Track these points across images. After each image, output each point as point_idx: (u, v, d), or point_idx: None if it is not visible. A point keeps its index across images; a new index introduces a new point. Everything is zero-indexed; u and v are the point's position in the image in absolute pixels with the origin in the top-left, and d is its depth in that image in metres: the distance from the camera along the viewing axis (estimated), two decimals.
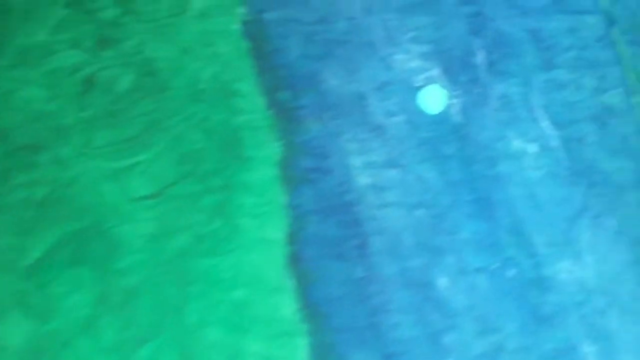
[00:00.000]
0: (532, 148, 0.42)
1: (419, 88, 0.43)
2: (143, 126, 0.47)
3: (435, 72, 0.47)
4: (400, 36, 0.49)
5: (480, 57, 0.49)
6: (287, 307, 0.38)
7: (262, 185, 0.44)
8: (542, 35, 0.50)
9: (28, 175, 0.43)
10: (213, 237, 0.42)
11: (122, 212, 0.43)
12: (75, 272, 0.40)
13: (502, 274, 0.38)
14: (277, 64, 0.49)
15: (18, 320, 0.38)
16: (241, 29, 0.51)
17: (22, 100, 0.46)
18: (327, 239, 0.41)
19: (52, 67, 0.49)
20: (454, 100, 0.44)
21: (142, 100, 0.48)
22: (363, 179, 0.43)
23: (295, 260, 0.40)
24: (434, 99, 0.46)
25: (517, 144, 0.43)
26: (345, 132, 0.45)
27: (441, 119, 0.42)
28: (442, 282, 0.38)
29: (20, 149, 0.44)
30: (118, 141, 0.46)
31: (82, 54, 0.50)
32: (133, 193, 0.44)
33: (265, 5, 0.52)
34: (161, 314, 0.39)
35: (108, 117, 0.47)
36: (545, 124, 0.43)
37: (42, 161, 0.44)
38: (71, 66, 0.49)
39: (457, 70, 0.48)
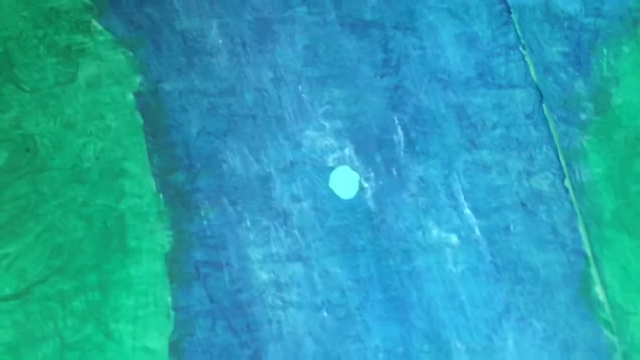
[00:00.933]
0: (453, 239, 0.38)
1: (329, 169, 0.39)
2: (15, 212, 0.41)
3: (348, 151, 0.43)
4: (312, 110, 0.46)
5: (398, 135, 0.45)
6: None
7: (144, 283, 0.38)
8: (467, 111, 0.47)
9: None
10: (82, 347, 0.36)
11: None
12: None
13: None
14: (173, 141, 0.45)
15: None
16: (135, 100, 0.46)
17: None
18: (216, 348, 0.36)
19: None
20: (368, 184, 0.40)
21: (16, 182, 0.43)
22: (262, 275, 0.38)
23: None
24: (345, 182, 0.42)
25: (436, 234, 0.39)
26: (245, 219, 0.41)
27: (352, 205, 0.38)
28: None
29: None
30: None
31: None
32: None
33: (164, 74, 0.48)
34: None
35: None
36: (467, 212, 0.39)
37: None
38: None
39: (372, 150, 0.44)
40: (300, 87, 0.47)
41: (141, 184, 0.42)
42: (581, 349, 0.33)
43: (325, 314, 0.35)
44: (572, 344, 0.34)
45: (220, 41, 0.49)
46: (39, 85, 0.46)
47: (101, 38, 0.48)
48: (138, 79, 0.47)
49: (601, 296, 0.35)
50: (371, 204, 0.40)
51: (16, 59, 0.47)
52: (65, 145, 0.44)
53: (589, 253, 0.37)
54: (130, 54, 0.48)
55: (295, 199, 0.40)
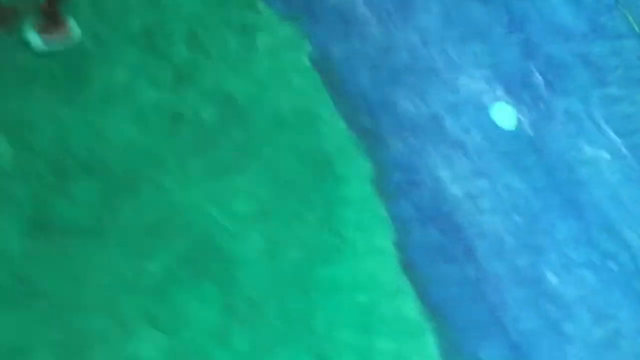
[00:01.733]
0: (604, 155, 0.46)
1: (488, 106, 0.47)
2: (234, 152, 0.49)
3: (499, 92, 0.51)
4: (460, 62, 0.54)
5: (537, 78, 0.54)
6: (410, 308, 0.40)
7: (360, 200, 0.46)
8: (590, 58, 0.55)
9: (133, 202, 0.44)
10: (324, 249, 0.43)
11: (229, 229, 0.44)
12: (197, 286, 0.41)
13: (605, 266, 0.41)
14: (350, 92, 0.52)
15: (149, 334, 0.39)
16: (310, 63, 0.54)
17: (116, 135, 0.48)
18: (433, 245, 0.43)
19: (138, 104, 0.51)
20: (522, 116, 0.48)
21: (228, 130, 0.50)
22: (455, 189, 0.46)
23: (407, 266, 0.42)
24: (503, 115, 0.50)
25: (589, 151, 0.47)
26: (428, 148, 0.48)
27: (514, 133, 0.46)
28: (551, 277, 0.41)
29: (121, 178, 0.45)
30: (213, 167, 0.48)
31: (162, 92, 0.52)
32: (238, 213, 0.45)
33: (329, 41, 0.56)
34: (289, 321, 0.40)
35: (199, 146, 0.49)
36: (610, 134, 0.47)
37: (144, 189, 0.45)
38: (155, 103, 0.51)
39: (519, 90, 0.52)
40: (445, 45, 0.55)
41: (335, 127, 0.50)
42: None
43: (516, 217, 0.43)
44: None
45: (368, 13, 0.57)
46: (225, 54, 0.54)
47: (268, 15, 0.56)
48: (308, 46, 0.55)
49: None
50: (530, 132, 0.47)
51: (202, 35, 0.55)
52: (262, 100, 0.52)
53: None
54: (296, 26, 0.56)
55: (466, 130, 0.47)
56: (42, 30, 0.53)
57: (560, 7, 0.57)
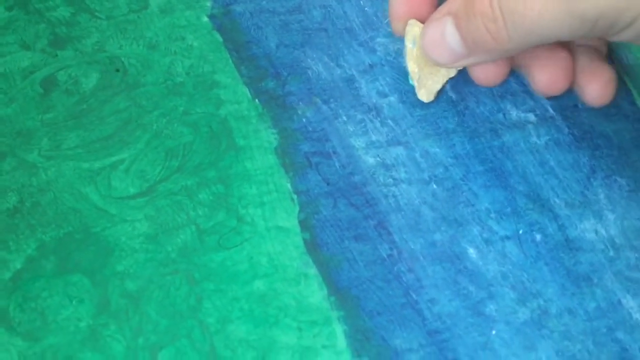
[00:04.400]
0: (531, 117, 0.43)
1: (406, 69, 0.43)
2: (119, 123, 0.43)
3: None
4: (378, 21, 0.49)
5: None
6: (314, 294, 0.35)
7: (262, 174, 0.41)
8: None
9: None
10: (219, 231, 0.38)
11: (110, 213, 0.39)
12: (66, 281, 0.36)
13: (529, 239, 0.38)
14: (255, 54, 0.47)
15: (4, 340, 0.33)
16: (210, 22, 0.49)
17: None
18: (343, 222, 0.39)
19: (4, 69, 0.45)
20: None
21: (112, 98, 0.44)
22: (369, 159, 0.42)
23: (313, 246, 0.38)
24: None
25: (515, 114, 0.43)
26: (340, 114, 0.44)
27: (439, 94, 0.42)
28: (472, 252, 0.37)
29: None
30: (92, 141, 0.42)
31: (35, 55, 0.46)
32: (119, 193, 0.40)
33: None
34: (175, 316, 0.35)
35: (76, 117, 0.43)
36: (537, 95, 0.44)
37: (6, 168, 0.40)
38: (26, 68, 0.45)
39: None
40: (362, 2, 0.50)
41: (236, 92, 0.45)
42: None
43: (434, 186, 0.39)
44: None
45: None
46: (113, 13, 0.48)
47: None
48: (209, 3, 0.49)
49: None
50: (452, 94, 0.44)
51: None
52: (153, 64, 0.46)
53: None
54: None
55: (382, 94, 0.43)
56: None
57: None
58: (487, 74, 0.41)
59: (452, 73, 0.40)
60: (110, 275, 0.37)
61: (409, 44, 0.40)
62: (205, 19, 0.49)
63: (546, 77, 0.39)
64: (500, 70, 0.41)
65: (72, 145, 0.42)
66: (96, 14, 0.48)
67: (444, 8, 0.36)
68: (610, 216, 0.40)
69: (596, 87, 0.39)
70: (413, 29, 0.39)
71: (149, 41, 0.47)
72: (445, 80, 0.41)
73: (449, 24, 0.35)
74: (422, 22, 0.39)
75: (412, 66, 0.41)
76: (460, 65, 0.38)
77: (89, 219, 0.39)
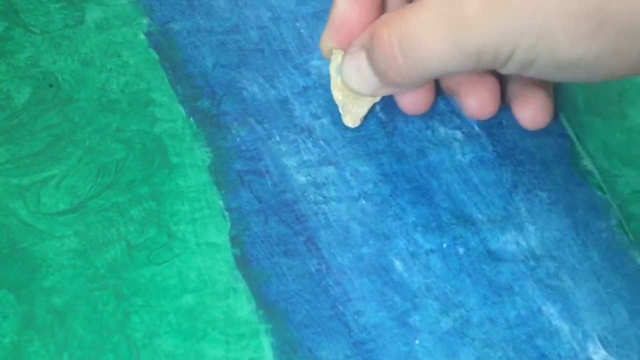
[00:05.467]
0: (457, 135, 0.45)
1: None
2: (51, 139, 0.43)
3: None
4: (313, 43, 0.51)
5: None
6: (243, 308, 0.36)
7: (195, 191, 0.42)
8: None
9: None
10: (149, 247, 0.39)
11: (38, 229, 0.39)
12: None
13: (453, 252, 0.39)
14: (192, 73, 0.48)
15: None
16: (147, 39, 0.49)
17: None
18: (273, 238, 0.40)
19: None
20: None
21: (45, 113, 0.44)
22: (300, 178, 0.43)
23: (243, 261, 0.39)
24: None
25: (443, 132, 0.45)
26: (274, 134, 0.45)
27: (366, 118, 0.44)
28: (398, 265, 0.39)
29: None
30: (22, 156, 0.42)
31: None
32: (48, 209, 0.40)
33: (169, 16, 0.51)
34: (102, 331, 0.35)
35: (7, 132, 0.43)
36: (467, 115, 0.46)
37: None
38: None
39: None
40: (298, 24, 0.52)
41: (171, 111, 0.45)
42: (582, 208, 0.41)
43: (363, 202, 0.41)
44: (573, 205, 0.41)
45: None
46: (47, 27, 0.48)
47: None
48: (145, 21, 0.50)
49: (589, 166, 0.42)
50: (382, 115, 0.45)
51: (19, 5, 0.49)
52: (88, 80, 0.46)
53: (572, 135, 0.45)
54: None
55: (315, 116, 0.45)
56: None
57: None
58: (412, 103, 0.42)
59: (377, 99, 0.42)
60: (36, 290, 0.37)
61: (333, 73, 0.41)
62: (142, 36, 0.49)
63: (475, 102, 0.41)
64: (425, 99, 0.43)
65: (1, 160, 0.42)
66: (30, 28, 0.48)
67: (359, 40, 0.38)
68: (531, 228, 0.42)
69: (528, 113, 0.41)
70: (337, 58, 0.41)
71: (84, 57, 0.47)
72: (370, 106, 0.43)
73: (362, 57, 0.36)
74: None
75: (336, 94, 0.42)
76: (379, 94, 0.40)
77: (16, 234, 0.39)
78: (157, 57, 0.48)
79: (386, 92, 0.38)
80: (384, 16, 0.34)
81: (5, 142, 0.41)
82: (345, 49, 0.41)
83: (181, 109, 0.46)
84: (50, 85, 0.45)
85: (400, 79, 0.34)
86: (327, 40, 0.41)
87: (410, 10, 0.32)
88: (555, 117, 0.47)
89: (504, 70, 0.33)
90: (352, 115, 0.44)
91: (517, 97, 0.42)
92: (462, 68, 0.33)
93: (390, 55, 0.33)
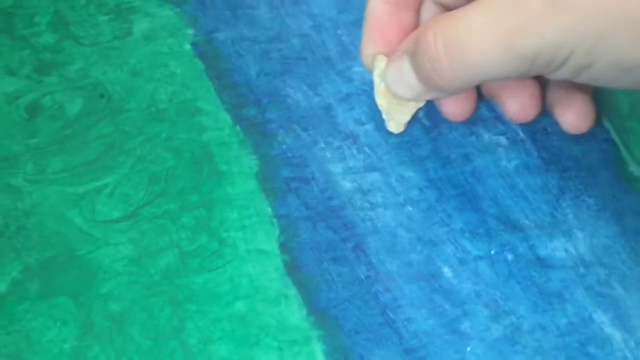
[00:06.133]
0: (502, 141, 0.45)
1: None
2: (102, 148, 0.44)
3: None
4: (354, 50, 0.51)
5: None
6: (294, 314, 0.36)
7: (243, 198, 0.42)
8: None
9: None
10: (201, 254, 0.39)
11: (94, 237, 0.39)
12: (51, 303, 0.36)
13: (501, 258, 0.39)
14: (237, 82, 0.49)
15: None
16: (192, 49, 0.50)
17: None
18: (322, 244, 0.40)
19: None
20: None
21: (96, 123, 0.45)
22: (346, 184, 0.43)
23: (293, 268, 0.39)
24: None
25: (487, 138, 0.45)
26: (319, 141, 0.45)
27: (410, 124, 0.44)
28: (447, 271, 0.38)
29: None
30: (76, 165, 0.43)
31: (20, 80, 0.47)
32: (103, 217, 0.41)
33: (214, 26, 0.52)
34: (158, 337, 0.36)
35: (60, 142, 0.44)
36: (508, 119, 0.46)
37: None
38: (10, 93, 0.46)
39: None
40: (339, 32, 0.52)
41: (217, 119, 0.46)
42: (630, 214, 0.40)
43: (410, 208, 0.41)
44: (621, 212, 0.41)
45: None
46: (97, 39, 0.49)
47: None
48: (190, 31, 0.51)
49: (636, 172, 0.42)
50: (425, 121, 0.45)
51: (69, 17, 0.50)
52: (137, 90, 0.47)
53: (617, 141, 0.44)
54: (178, 9, 0.52)
55: (359, 122, 0.45)
56: None
57: None
58: (455, 109, 0.42)
59: (420, 104, 0.42)
60: (94, 297, 0.37)
61: (376, 79, 0.41)
62: (188, 46, 0.50)
63: (516, 105, 0.41)
64: (467, 105, 0.43)
65: (56, 169, 0.43)
66: (80, 40, 0.49)
67: (401, 46, 0.38)
68: (580, 235, 0.42)
69: (571, 118, 0.41)
70: (380, 64, 0.41)
71: (132, 68, 0.48)
72: (414, 112, 0.43)
73: (406, 62, 0.36)
74: (390, 56, 0.41)
75: (380, 100, 0.42)
76: (423, 99, 0.40)
77: (73, 242, 0.39)
78: (202, 66, 0.49)
79: (430, 96, 0.38)
80: (430, 20, 0.34)
81: (59, 152, 0.42)
82: (388, 55, 0.41)
83: (227, 117, 0.46)
84: (101, 96, 0.46)
85: (443, 82, 0.34)
86: (367, 46, 0.41)
87: (461, 12, 0.32)
88: (600, 123, 0.46)
89: (554, 76, 0.33)
90: (396, 121, 0.44)
91: (558, 102, 0.42)
92: (510, 73, 0.32)
93: (435, 58, 0.33)
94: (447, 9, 0.41)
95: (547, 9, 0.28)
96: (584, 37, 0.28)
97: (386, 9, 0.39)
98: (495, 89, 0.42)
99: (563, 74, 0.32)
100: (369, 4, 0.40)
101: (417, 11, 0.41)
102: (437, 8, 0.41)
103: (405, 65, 0.37)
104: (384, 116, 0.44)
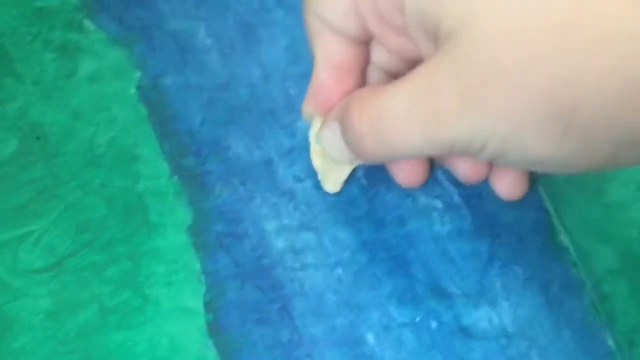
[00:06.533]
0: (438, 204, 0.45)
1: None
2: (33, 193, 0.43)
3: None
4: (300, 104, 0.51)
5: None
6: None
7: (173, 252, 0.42)
8: None
9: None
10: (123, 310, 0.39)
11: (13, 287, 0.39)
12: None
13: (425, 326, 0.39)
14: (179, 130, 0.48)
15: None
16: (137, 93, 0.50)
17: None
18: (248, 304, 0.40)
19: None
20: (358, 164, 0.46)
21: (30, 166, 0.44)
22: (279, 242, 0.43)
23: (216, 328, 0.38)
24: None
25: (423, 201, 0.45)
26: (256, 196, 0.45)
27: (348, 183, 0.44)
28: (370, 338, 0.38)
29: None
30: (4, 210, 0.42)
31: None
32: (25, 266, 0.40)
33: (161, 70, 0.51)
34: None
35: None
36: (445, 183, 0.46)
37: None
38: None
39: None
40: (287, 83, 0.52)
41: (155, 167, 0.45)
42: (557, 285, 0.41)
43: (340, 270, 0.41)
44: (548, 282, 0.41)
45: (209, 42, 0.54)
46: (40, 78, 0.48)
47: (95, 36, 0.51)
48: (137, 74, 0.50)
49: (566, 242, 0.43)
50: (364, 181, 0.46)
51: (13, 53, 0.49)
52: (75, 134, 0.46)
53: (550, 209, 0.45)
54: (126, 51, 0.51)
55: (298, 179, 0.45)
56: None
57: None
58: (407, 178, 0.42)
59: (356, 164, 0.42)
60: (6, 352, 0.36)
61: (312, 139, 0.42)
62: (133, 90, 0.50)
63: (466, 166, 0.41)
64: (419, 173, 0.42)
65: None
66: (23, 78, 0.49)
67: (335, 111, 0.38)
68: (505, 304, 0.42)
69: (505, 184, 0.41)
70: (316, 125, 0.41)
71: (73, 109, 0.48)
72: (349, 171, 0.43)
73: (336, 130, 0.37)
74: None
75: (315, 161, 0.42)
76: (357, 163, 0.40)
77: None
78: (146, 112, 0.48)
79: (363, 162, 0.39)
80: (357, 92, 0.34)
81: None
82: (324, 116, 0.41)
83: (166, 166, 0.46)
84: (38, 138, 0.45)
85: (371, 157, 0.34)
86: (307, 105, 0.41)
87: (383, 93, 0.32)
88: (535, 190, 0.47)
89: (476, 160, 0.33)
90: (332, 180, 0.44)
91: (494, 167, 0.42)
92: (434, 155, 0.33)
93: (360, 135, 0.33)
94: (391, 75, 0.41)
95: (458, 105, 0.29)
96: (495, 133, 0.29)
97: (330, 74, 0.39)
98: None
99: (482, 159, 0.32)
100: (315, 68, 0.40)
101: (363, 74, 0.41)
102: (383, 74, 0.41)
103: (336, 132, 0.37)
104: (319, 176, 0.44)
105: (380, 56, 0.41)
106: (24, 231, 0.41)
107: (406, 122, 0.31)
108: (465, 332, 0.41)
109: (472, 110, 0.29)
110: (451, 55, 0.29)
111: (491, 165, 0.42)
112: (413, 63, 0.41)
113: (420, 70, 0.31)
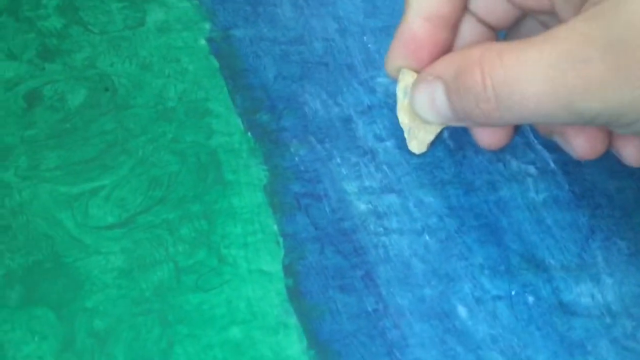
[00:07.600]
0: (531, 170, 0.42)
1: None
2: (103, 146, 0.41)
3: None
4: (380, 59, 0.48)
5: None
6: (293, 346, 0.33)
7: (248, 212, 0.39)
8: None
9: None
10: (198, 270, 0.36)
11: (84, 243, 0.37)
12: (31, 314, 0.33)
13: (522, 301, 0.36)
14: (252, 84, 0.46)
15: None
16: (208, 45, 0.47)
17: None
18: (329, 270, 0.37)
19: None
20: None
21: (99, 118, 0.42)
22: (360, 205, 0.40)
23: (296, 294, 0.36)
24: None
25: (515, 166, 0.42)
26: (335, 156, 0.42)
27: (432, 143, 0.41)
28: (462, 311, 0.35)
29: None
30: (73, 163, 0.40)
31: (22, 65, 0.44)
32: (96, 222, 0.38)
33: (232, 22, 0.49)
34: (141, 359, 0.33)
35: (58, 136, 0.41)
36: (539, 147, 0.42)
37: None
38: (10, 79, 0.43)
39: None
40: (365, 38, 0.49)
41: (228, 123, 0.43)
42: None
43: (427, 237, 0.38)
44: None
45: None
46: (107, 28, 0.46)
47: None
48: (207, 26, 0.48)
49: None
50: (450, 143, 0.42)
51: (79, 2, 0.47)
52: (145, 85, 0.44)
53: None
54: (195, 1, 0.49)
55: (379, 138, 0.42)
56: None
57: None
58: (490, 138, 0.39)
59: (448, 124, 0.39)
60: (78, 310, 0.34)
61: (400, 94, 0.38)
62: (203, 41, 0.47)
63: (586, 141, 0.37)
64: (504, 134, 0.39)
65: (51, 166, 0.40)
66: (89, 27, 0.46)
67: (434, 69, 0.34)
68: (608, 281, 0.38)
69: (632, 151, 0.37)
70: (405, 78, 0.37)
71: (142, 61, 0.45)
72: (438, 131, 0.40)
73: (439, 89, 0.33)
74: (417, 71, 0.37)
75: (402, 117, 0.39)
76: (449, 125, 0.36)
77: (61, 247, 0.37)
78: (217, 65, 0.46)
79: (459, 125, 0.35)
80: (476, 52, 0.31)
81: (56, 147, 0.39)
82: (414, 70, 0.37)
83: (239, 121, 0.43)
84: (106, 89, 0.43)
85: (486, 120, 0.31)
86: (394, 58, 0.38)
87: (514, 56, 0.28)
88: None
89: (617, 132, 0.30)
90: (419, 140, 0.41)
91: (619, 135, 0.38)
92: (565, 123, 0.30)
93: (483, 98, 0.30)
94: (491, 28, 0.37)
95: (609, 73, 0.25)
96: None
97: (423, 26, 0.36)
98: (557, 127, 0.38)
99: (625, 132, 0.29)
100: (406, 18, 0.36)
101: (455, 28, 0.37)
102: (480, 27, 0.38)
103: (437, 91, 0.33)
104: (406, 135, 0.41)
105: (482, 5, 0.37)
106: (94, 185, 0.39)
107: (544, 89, 0.27)
108: (566, 309, 0.37)
109: (628, 83, 0.25)
110: (603, 20, 0.26)
111: (610, 138, 0.38)
112: (523, 14, 0.37)
113: (560, 34, 0.27)
